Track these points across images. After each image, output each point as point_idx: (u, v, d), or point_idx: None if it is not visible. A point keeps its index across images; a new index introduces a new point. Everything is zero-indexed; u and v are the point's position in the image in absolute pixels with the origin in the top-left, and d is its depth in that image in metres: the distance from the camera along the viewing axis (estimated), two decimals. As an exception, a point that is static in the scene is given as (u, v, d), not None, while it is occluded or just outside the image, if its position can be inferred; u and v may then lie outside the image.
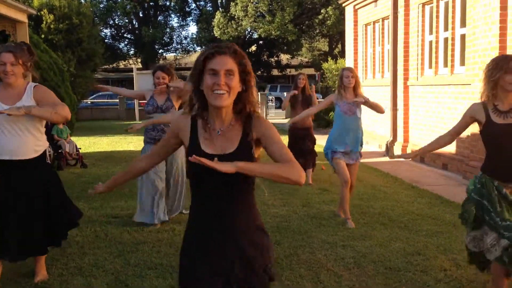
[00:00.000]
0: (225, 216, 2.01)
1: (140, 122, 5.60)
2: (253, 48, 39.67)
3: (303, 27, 35.52)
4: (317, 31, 35.70)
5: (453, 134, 3.33)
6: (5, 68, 3.39)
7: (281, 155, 1.98)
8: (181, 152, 4.96)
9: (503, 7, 6.93)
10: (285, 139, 7.01)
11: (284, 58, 40.76)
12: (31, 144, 3.46)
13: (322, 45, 38.80)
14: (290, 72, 40.99)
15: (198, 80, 1.99)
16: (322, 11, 31.98)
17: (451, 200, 6.23)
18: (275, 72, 41.14)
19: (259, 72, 40.39)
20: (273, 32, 31.97)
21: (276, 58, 40.23)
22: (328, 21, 31.42)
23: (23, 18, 8.61)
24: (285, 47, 38.13)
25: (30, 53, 3.55)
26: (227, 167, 1.81)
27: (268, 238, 2.10)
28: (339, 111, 5.24)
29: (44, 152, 3.61)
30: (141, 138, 5.43)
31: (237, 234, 2.01)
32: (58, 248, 3.91)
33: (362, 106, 5.28)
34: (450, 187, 7.19)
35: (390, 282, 3.64)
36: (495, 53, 6.89)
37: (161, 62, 38.49)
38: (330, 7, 30.77)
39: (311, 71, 36.70)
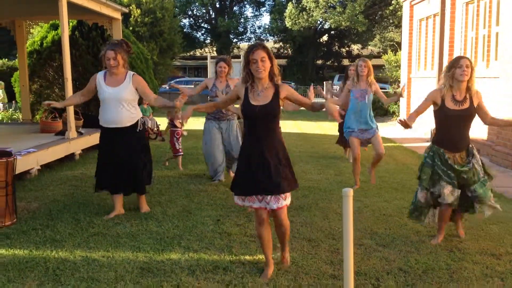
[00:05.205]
0: (264, 141, 3.45)
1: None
2: (325, 38, 40.53)
3: (376, 17, 35.88)
4: (390, 21, 35.96)
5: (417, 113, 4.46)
6: (109, 62, 4.72)
7: (304, 99, 3.68)
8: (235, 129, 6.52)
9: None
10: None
11: (355, 48, 41.27)
12: (127, 115, 4.83)
13: (397, 35, 38.85)
14: (360, 62, 41.54)
15: (247, 65, 3.46)
16: (393, 1, 32.27)
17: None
18: (345, 62, 41.82)
19: (330, 62, 41.25)
20: (343, 23, 32.71)
21: (347, 48, 40.81)
22: (399, 12, 31.69)
23: (118, 15, 10.43)
24: (356, 38, 38.65)
25: (128, 48, 4.91)
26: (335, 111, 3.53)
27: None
28: (352, 97, 6.10)
29: (137, 122, 4.92)
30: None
31: (272, 150, 3.45)
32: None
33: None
34: (472, 168, 8.13)
35: (378, 222, 4.92)
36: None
37: (235, 51, 40.45)
38: (401, -2, 31.01)
39: (381, 61, 37.04)
